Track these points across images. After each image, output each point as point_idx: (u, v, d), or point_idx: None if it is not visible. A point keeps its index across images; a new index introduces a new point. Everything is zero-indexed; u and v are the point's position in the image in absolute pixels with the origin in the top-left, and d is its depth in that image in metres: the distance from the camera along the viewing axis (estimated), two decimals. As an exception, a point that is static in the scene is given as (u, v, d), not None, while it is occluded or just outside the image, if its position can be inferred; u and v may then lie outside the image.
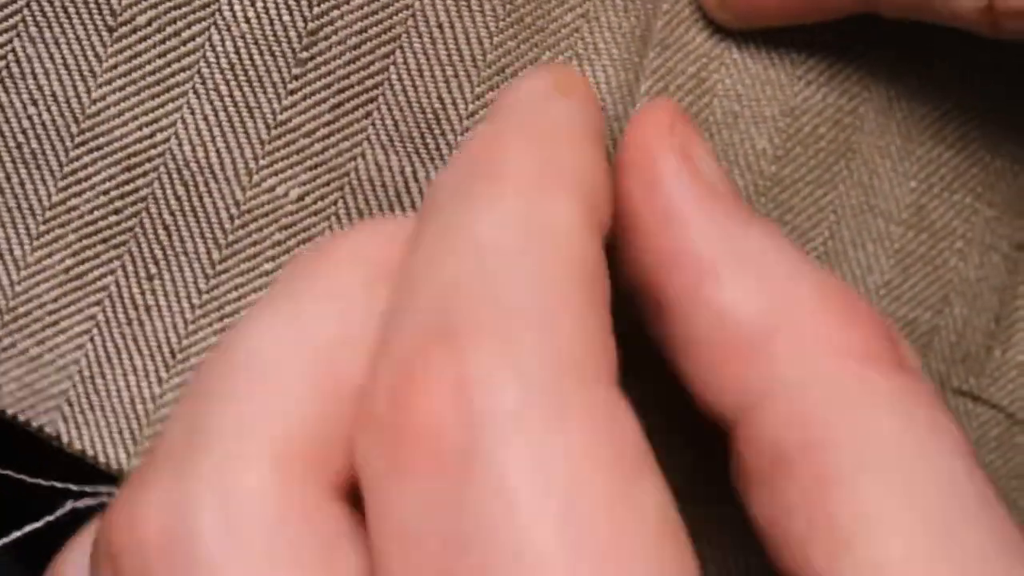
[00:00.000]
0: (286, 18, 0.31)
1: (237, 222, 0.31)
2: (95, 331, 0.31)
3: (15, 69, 0.31)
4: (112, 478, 0.32)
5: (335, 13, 0.31)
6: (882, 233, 0.34)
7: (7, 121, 0.31)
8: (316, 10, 0.31)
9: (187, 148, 0.31)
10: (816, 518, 0.25)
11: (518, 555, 0.22)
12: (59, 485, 0.31)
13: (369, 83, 0.31)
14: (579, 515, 0.22)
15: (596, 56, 0.32)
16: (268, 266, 0.32)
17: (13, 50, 0.30)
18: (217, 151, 0.31)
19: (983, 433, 0.34)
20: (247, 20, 0.31)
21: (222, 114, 0.31)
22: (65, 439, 0.31)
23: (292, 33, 0.31)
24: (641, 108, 0.30)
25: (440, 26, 0.31)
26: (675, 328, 0.28)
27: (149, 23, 0.31)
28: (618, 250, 0.29)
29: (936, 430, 0.26)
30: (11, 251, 0.31)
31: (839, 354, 0.26)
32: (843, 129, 0.33)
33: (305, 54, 0.31)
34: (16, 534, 0.31)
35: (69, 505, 0.31)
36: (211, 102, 0.31)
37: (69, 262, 0.31)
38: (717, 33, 0.33)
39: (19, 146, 0.31)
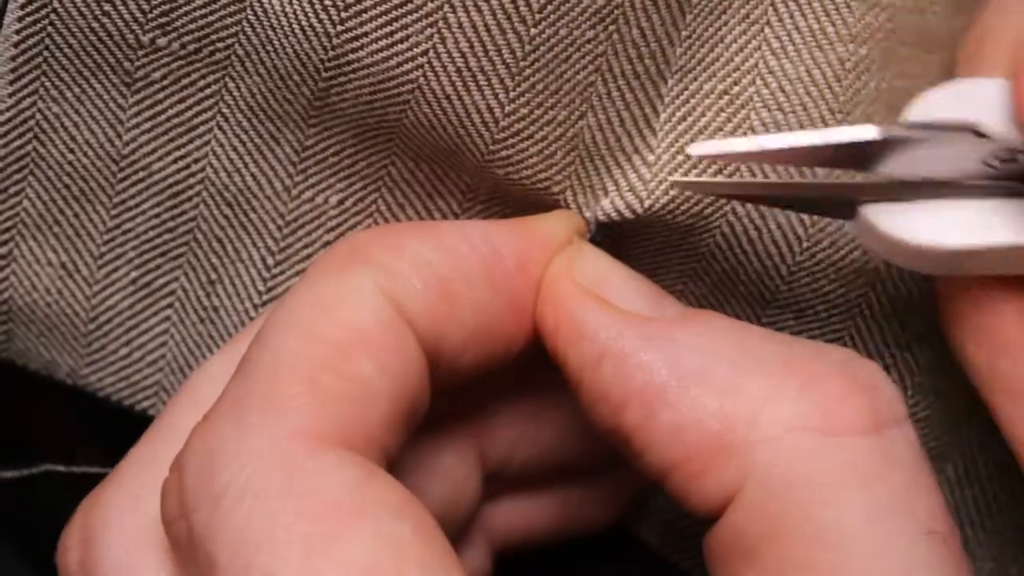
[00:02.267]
0: (304, 57, 0.30)
1: (285, 231, 0.32)
2: (172, 330, 0.33)
3: (45, 125, 0.32)
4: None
5: (352, 56, 0.30)
6: None
7: (50, 167, 0.32)
8: (332, 52, 0.30)
9: (223, 176, 0.32)
10: None
11: None
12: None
13: (392, 113, 0.30)
14: None
15: (610, 103, 0.31)
16: None
17: (39, 111, 0.31)
18: (252, 175, 0.32)
19: None
20: (261, 71, 0.31)
21: (249, 145, 0.32)
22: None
23: (310, 69, 0.30)
24: (551, 269, 0.30)
25: (448, 97, 0.30)
26: (646, 458, 0.28)
27: (164, 78, 0.31)
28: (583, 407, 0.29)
29: (897, 506, 0.26)
30: (79, 271, 0.33)
31: (800, 429, 0.27)
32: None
33: (323, 94, 0.30)
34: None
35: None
36: (237, 136, 0.32)
37: (134, 274, 0.33)
38: (748, 46, 0.31)
39: (67, 187, 0.32)
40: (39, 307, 0.33)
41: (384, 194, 0.32)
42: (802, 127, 0.31)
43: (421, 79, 0.29)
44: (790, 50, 0.31)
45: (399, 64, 0.29)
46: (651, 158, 0.31)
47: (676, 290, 0.33)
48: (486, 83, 0.29)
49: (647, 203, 0.31)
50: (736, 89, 0.31)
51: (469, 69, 0.29)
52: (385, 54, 0.29)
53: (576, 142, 0.31)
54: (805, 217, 0.31)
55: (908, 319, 0.33)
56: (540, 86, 0.30)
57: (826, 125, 0.31)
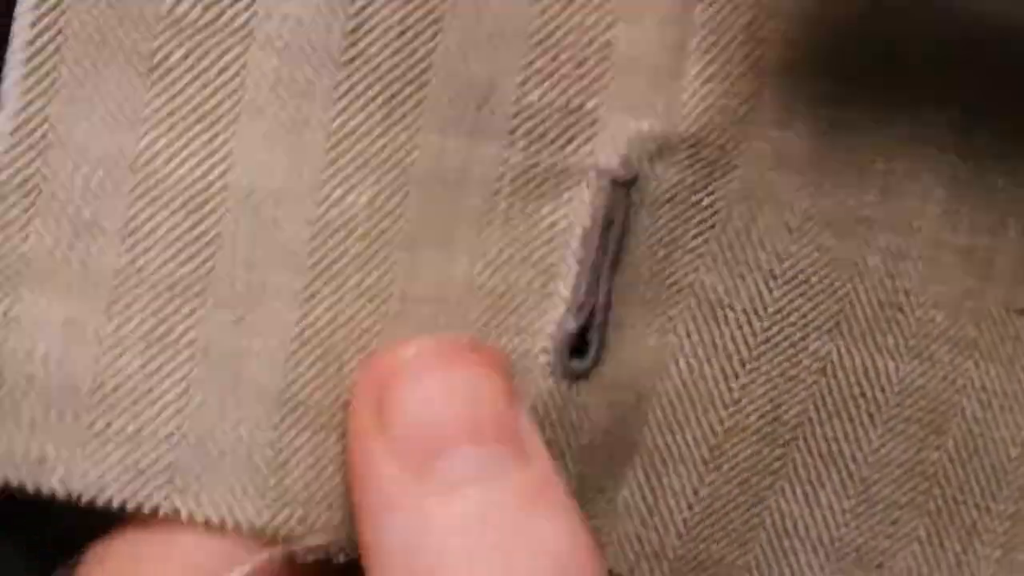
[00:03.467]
0: (323, 22, 0.29)
1: (314, 242, 0.30)
2: (192, 391, 0.30)
3: (53, 138, 0.29)
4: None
5: (372, 8, 0.30)
6: (936, 162, 0.33)
7: (62, 187, 0.29)
8: (353, 8, 0.30)
9: (248, 176, 0.30)
10: None
11: None
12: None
13: (417, 70, 0.30)
14: None
15: (640, 15, 0.31)
16: (353, 281, 0.30)
17: (48, 116, 0.29)
18: (282, 171, 0.30)
19: None
20: (283, 34, 0.30)
21: (277, 132, 0.30)
22: (184, 513, 0.30)
23: (332, 36, 0.30)
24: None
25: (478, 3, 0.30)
26: None
27: (185, 56, 0.29)
28: None
29: None
30: (86, 326, 0.30)
31: None
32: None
33: (348, 55, 0.30)
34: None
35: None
36: (263, 122, 0.30)
37: (150, 324, 0.30)
38: None
39: (77, 212, 0.29)
40: (36, 381, 0.29)
41: (411, 189, 0.31)
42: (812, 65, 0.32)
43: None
44: None
45: None
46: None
47: (687, 282, 0.33)
48: None
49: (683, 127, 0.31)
50: (754, 26, 0.31)
51: None
52: None
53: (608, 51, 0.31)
54: None
55: None
56: None
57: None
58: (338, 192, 0.30)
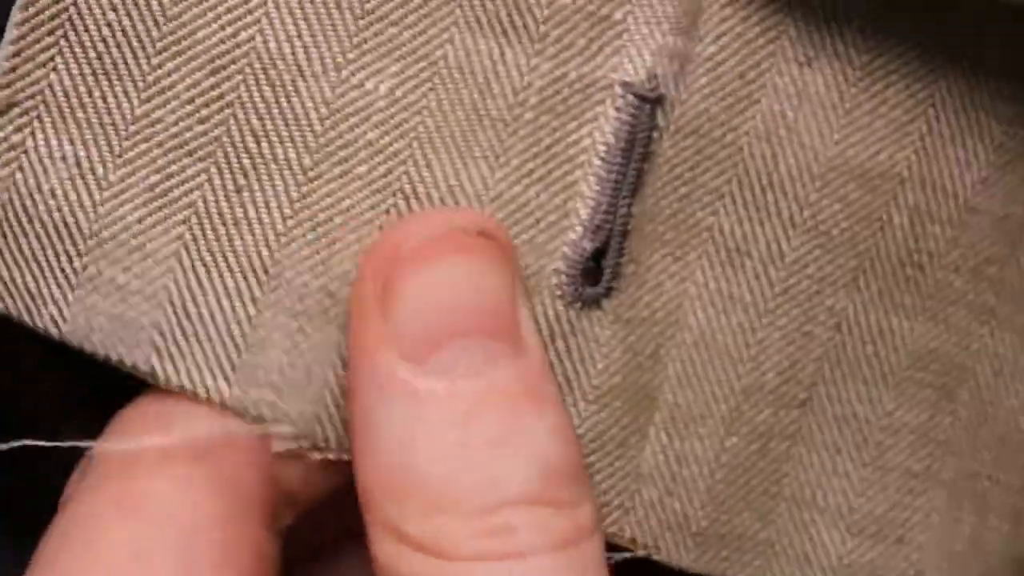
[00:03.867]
0: None
1: (327, 123, 0.30)
2: (183, 252, 0.30)
3: None
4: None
5: None
6: (984, 129, 0.33)
7: (87, 30, 0.29)
8: None
9: (273, 44, 0.30)
10: None
11: None
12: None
13: None
14: None
15: None
16: (361, 169, 0.30)
17: None
18: (304, 47, 0.30)
19: None
20: None
21: (308, 6, 0.30)
22: (161, 376, 0.30)
23: None
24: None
25: None
26: None
27: None
28: None
29: None
30: (93, 170, 0.29)
31: None
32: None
33: None
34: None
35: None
36: None
37: (154, 179, 0.30)
38: None
39: (99, 56, 0.29)
40: (37, 215, 0.29)
41: (436, 85, 0.30)
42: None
43: None
44: None
45: None
46: None
47: (706, 225, 0.32)
48: None
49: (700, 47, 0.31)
50: None
51: None
52: None
53: None
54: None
55: None
56: None
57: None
58: (360, 76, 0.30)
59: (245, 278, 0.30)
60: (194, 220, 0.30)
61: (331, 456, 0.30)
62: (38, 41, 0.29)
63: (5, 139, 0.29)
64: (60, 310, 0.29)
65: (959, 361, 0.33)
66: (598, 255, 0.31)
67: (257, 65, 0.30)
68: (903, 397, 0.33)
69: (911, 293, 0.33)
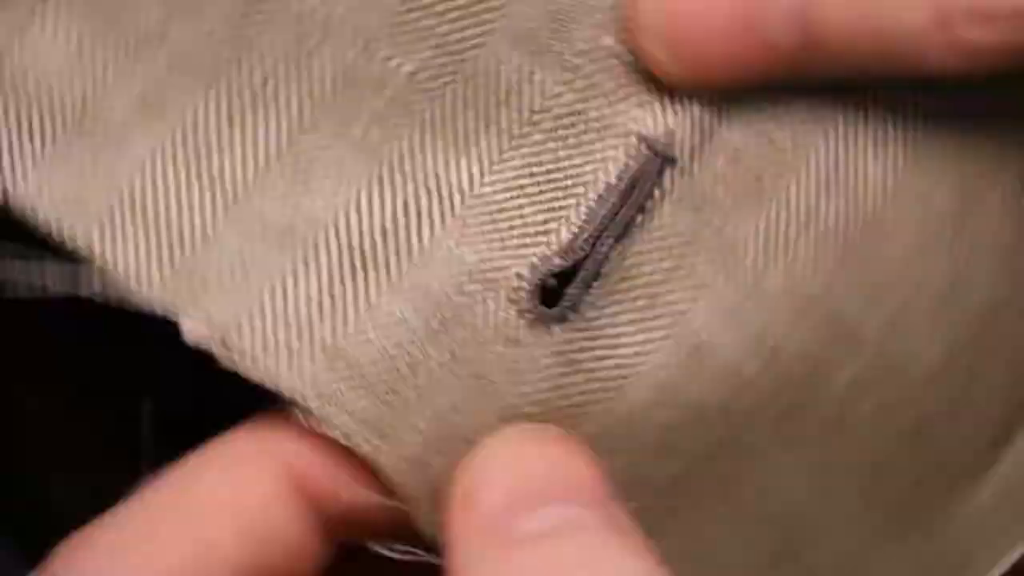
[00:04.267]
0: None
1: (339, 84, 0.31)
2: (157, 155, 0.30)
3: None
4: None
5: None
6: None
7: None
8: None
9: (314, 1, 0.31)
10: None
11: None
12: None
13: None
14: None
15: None
16: (357, 131, 0.31)
17: None
18: (340, 15, 0.31)
19: None
20: None
21: None
22: (98, 255, 0.30)
23: None
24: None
25: None
26: None
27: None
28: None
29: None
30: (94, 59, 0.31)
31: None
32: None
33: None
34: None
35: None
36: None
37: (148, 85, 0.31)
38: None
39: None
40: (44, 91, 0.30)
41: (457, 80, 0.31)
42: None
43: None
44: None
45: None
46: None
47: (680, 309, 0.31)
48: None
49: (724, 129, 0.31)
50: None
51: None
52: None
53: None
54: None
55: None
56: None
57: None
58: (386, 52, 0.31)
59: (212, 197, 0.30)
60: (178, 135, 0.30)
61: None
62: None
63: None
64: (16, 176, 0.30)
65: None
66: (565, 278, 0.31)
67: (287, 15, 0.31)
68: None
69: None
